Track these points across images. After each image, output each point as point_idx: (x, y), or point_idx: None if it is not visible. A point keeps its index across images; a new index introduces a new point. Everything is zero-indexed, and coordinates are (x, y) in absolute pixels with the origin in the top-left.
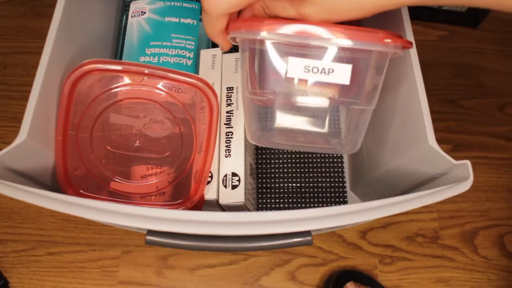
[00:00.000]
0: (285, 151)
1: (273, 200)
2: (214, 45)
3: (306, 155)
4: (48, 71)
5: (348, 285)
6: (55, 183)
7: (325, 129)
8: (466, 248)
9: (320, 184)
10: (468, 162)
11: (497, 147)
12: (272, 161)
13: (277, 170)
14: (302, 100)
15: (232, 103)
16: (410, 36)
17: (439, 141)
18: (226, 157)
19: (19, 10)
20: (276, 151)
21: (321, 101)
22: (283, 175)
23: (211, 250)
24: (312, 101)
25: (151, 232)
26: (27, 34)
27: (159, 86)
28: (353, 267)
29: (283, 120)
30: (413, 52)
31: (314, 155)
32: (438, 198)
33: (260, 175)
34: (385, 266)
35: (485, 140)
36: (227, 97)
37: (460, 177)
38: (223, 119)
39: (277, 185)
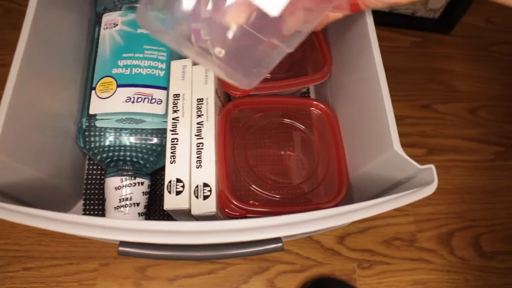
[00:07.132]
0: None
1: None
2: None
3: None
4: (18, 84)
5: None
6: (28, 197)
7: None
8: (443, 250)
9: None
10: (432, 166)
11: (471, 149)
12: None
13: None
14: None
15: (203, 114)
16: (374, 42)
17: (414, 145)
18: (197, 168)
19: None
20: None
21: None
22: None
23: (182, 259)
24: None
25: (123, 243)
26: (4, 47)
27: None
28: (330, 274)
29: None
30: (377, 56)
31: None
32: (404, 202)
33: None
34: (363, 270)
35: (459, 143)
36: (197, 109)
37: (426, 181)
38: (194, 131)
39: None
